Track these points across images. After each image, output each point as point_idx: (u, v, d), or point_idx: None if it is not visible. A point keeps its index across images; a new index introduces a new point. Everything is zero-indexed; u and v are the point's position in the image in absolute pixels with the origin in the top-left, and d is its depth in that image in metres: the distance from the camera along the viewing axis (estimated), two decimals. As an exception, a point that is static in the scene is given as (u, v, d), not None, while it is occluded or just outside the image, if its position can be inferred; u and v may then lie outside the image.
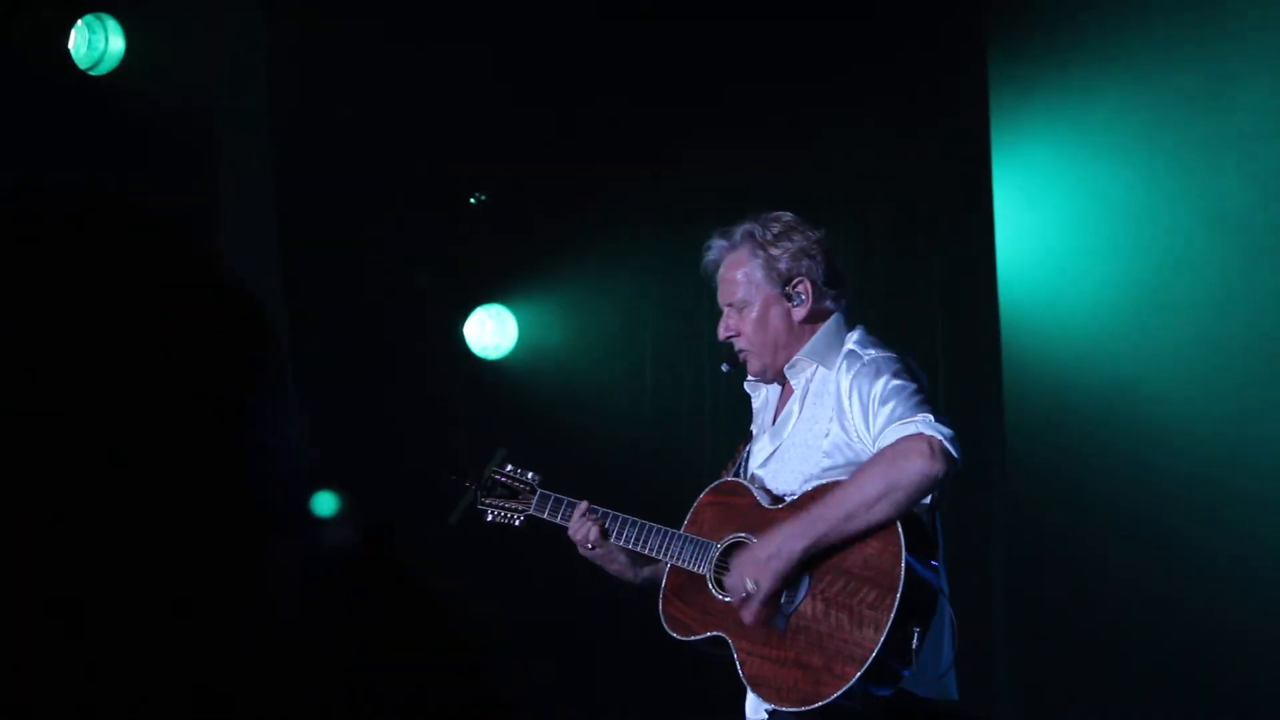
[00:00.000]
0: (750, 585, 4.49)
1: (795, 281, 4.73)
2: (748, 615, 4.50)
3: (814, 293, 4.73)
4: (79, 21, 6.82)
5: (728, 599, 4.62)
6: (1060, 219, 7.89)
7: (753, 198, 7.66)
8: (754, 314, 4.75)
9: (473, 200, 8.18)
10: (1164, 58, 7.59)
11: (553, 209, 8.20)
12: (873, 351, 4.64)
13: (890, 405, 4.47)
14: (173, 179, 7.18)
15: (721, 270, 4.81)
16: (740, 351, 4.82)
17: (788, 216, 4.81)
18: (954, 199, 7.96)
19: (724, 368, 4.98)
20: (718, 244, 4.83)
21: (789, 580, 4.49)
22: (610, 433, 8.12)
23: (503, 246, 8.21)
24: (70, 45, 6.80)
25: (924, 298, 7.90)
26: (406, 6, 7.70)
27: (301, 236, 7.50)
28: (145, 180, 7.05)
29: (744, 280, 4.76)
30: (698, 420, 8.07)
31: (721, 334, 4.84)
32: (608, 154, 8.15)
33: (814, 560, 4.49)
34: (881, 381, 4.52)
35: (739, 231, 4.80)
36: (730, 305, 4.80)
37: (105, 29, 6.91)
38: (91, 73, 6.89)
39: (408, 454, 7.77)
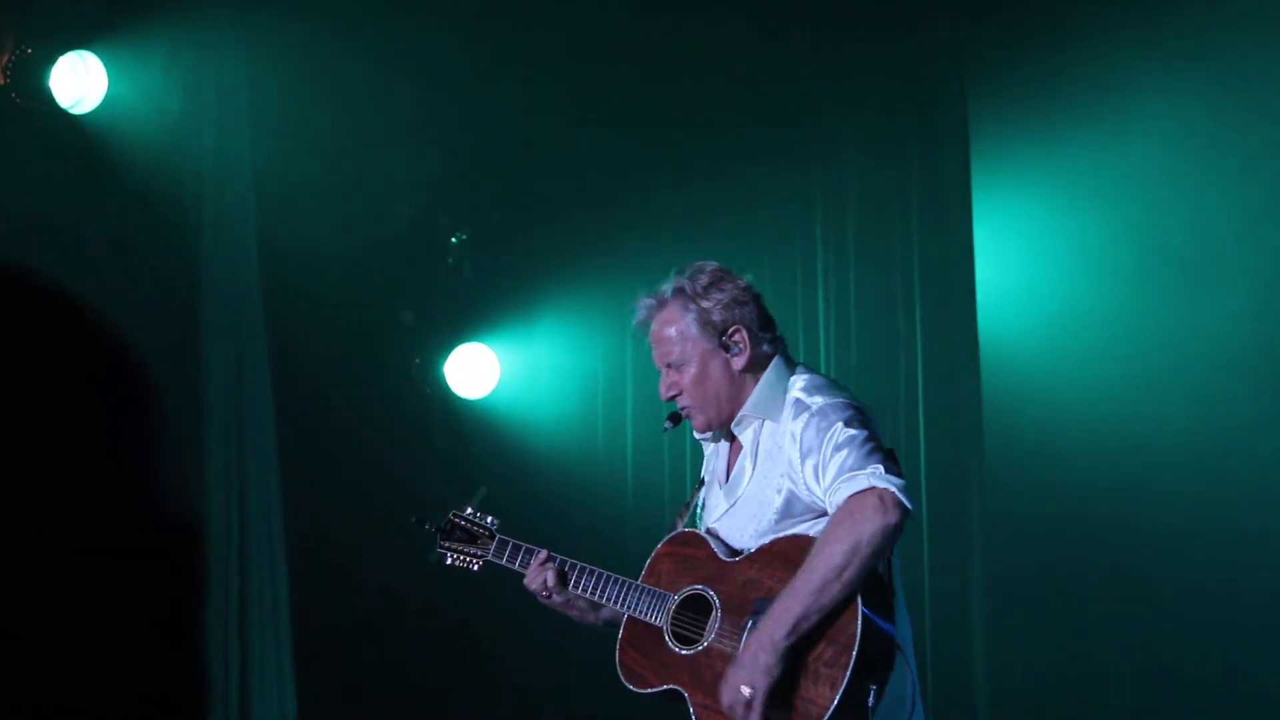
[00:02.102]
0: (746, 692, 4.37)
1: (731, 331, 4.60)
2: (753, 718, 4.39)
3: (751, 340, 4.60)
4: (62, 59, 6.83)
5: (684, 652, 4.57)
6: (1037, 237, 7.96)
7: (736, 235, 7.73)
8: (693, 370, 4.62)
9: (454, 240, 8.19)
10: (1141, 96, 7.65)
11: (534, 248, 8.21)
12: (819, 399, 4.52)
13: (841, 455, 4.37)
14: (155, 216, 7.20)
15: (654, 329, 4.69)
16: (684, 409, 4.70)
17: (712, 265, 4.68)
18: (935, 219, 7.97)
19: (666, 426, 4.86)
20: (646, 303, 4.70)
21: (780, 671, 4.38)
22: (589, 473, 8.11)
23: (485, 286, 8.22)
24: (53, 83, 6.81)
25: (904, 316, 7.90)
26: (389, 48, 7.72)
27: (283, 274, 7.50)
28: (127, 218, 7.07)
29: (678, 337, 4.63)
30: (679, 461, 8.06)
31: (664, 394, 4.72)
32: (590, 189, 8.16)
33: (768, 608, 4.41)
34: (831, 432, 4.41)
35: (667, 288, 4.68)
36: (669, 365, 4.67)
37: (88, 67, 6.92)
38: (74, 111, 6.91)
39: (386, 492, 7.77)
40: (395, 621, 7.93)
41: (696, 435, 4.88)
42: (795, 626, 4.34)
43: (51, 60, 6.79)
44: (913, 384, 7.83)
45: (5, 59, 6.68)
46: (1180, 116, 7.65)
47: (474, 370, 8.23)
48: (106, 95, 6.93)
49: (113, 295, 7.00)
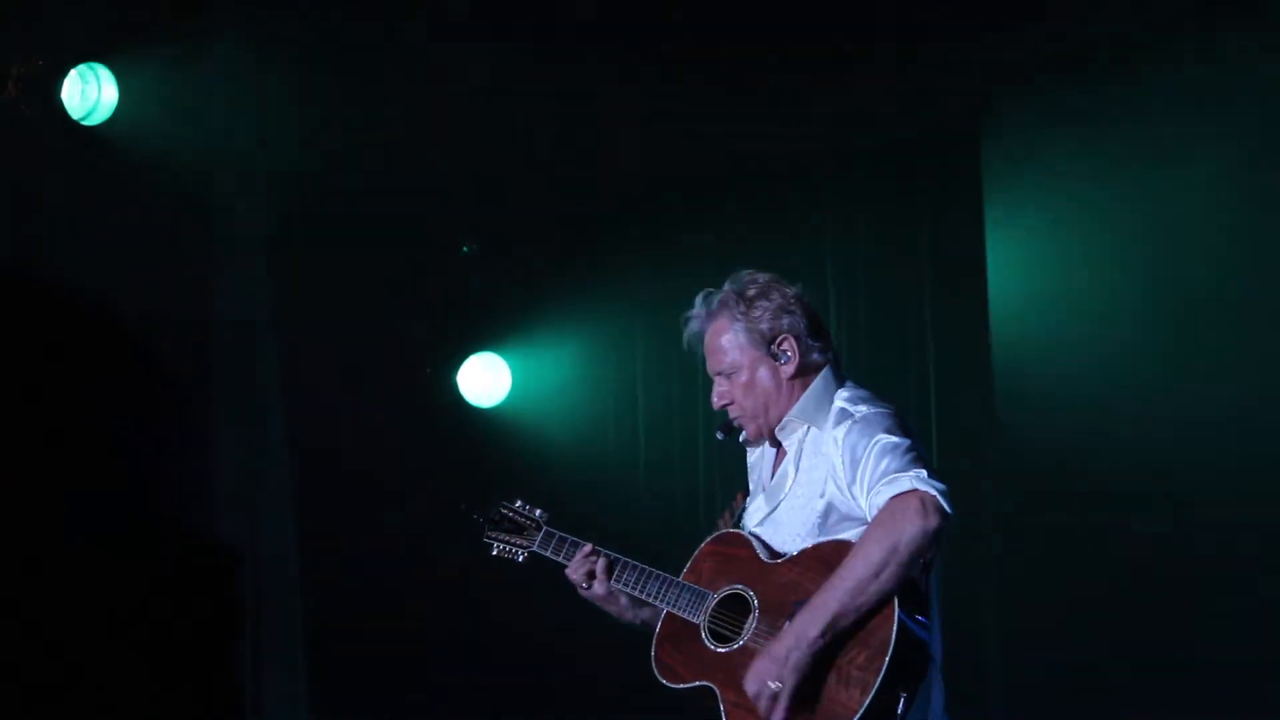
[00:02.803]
0: (774, 685, 4.42)
1: (779, 340, 4.70)
2: (776, 716, 4.42)
3: (799, 348, 4.70)
4: (72, 71, 6.83)
5: (720, 649, 4.60)
6: (1048, 246, 7.99)
7: (746, 245, 7.74)
8: (743, 378, 4.73)
9: (465, 249, 8.20)
10: (1148, 117, 7.70)
11: (545, 258, 8.23)
12: (863, 408, 4.61)
13: (884, 462, 4.44)
14: (166, 227, 7.20)
15: (706, 339, 4.79)
16: (735, 419, 4.79)
17: (763, 276, 4.78)
18: (947, 231, 7.99)
19: (718, 435, 4.94)
20: (698, 314, 4.81)
21: (811, 668, 4.42)
22: (603, 481, 8.12)
23: (496, 295, 8.23)
24: (64, 95, 6.81)
25: (916, 330, 7.92)
26: (399, 59, 7.72)
27: (295, 285, 7.50)
28: (138, 230, 7.07)
29: (729, 346, 4.74)
30: (691, 468, 8.07)
31: (716, 403, 4.82)
32: (604, 201, 8.18)
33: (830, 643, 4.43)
34: (875, 439, 4.49)
35: (717, 298, 4.77)
36: (720, 374, 4.78)
37: (99, 79, 6.92)
38: (84, 122, 6.91)
39: (400, 501, 7.78)
40: (411, 632, 7.94)
41: (741, 439, 4.91)
42: (830, 625, 4.38)
43: (62, 72, 6.79)
44: (924, 390, 7.84)
45: (16, 71, 6.68)
46: (1192, 141, 7.69)
47: (486, 379, 8.25)
48: (117, 107, 6.93)
49: (123, 309, 7.00)
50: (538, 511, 5.04)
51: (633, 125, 8.10)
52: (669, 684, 4.68)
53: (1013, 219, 8.00)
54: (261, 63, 7.35)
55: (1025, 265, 8.04)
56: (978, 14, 7.59)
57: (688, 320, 4.83)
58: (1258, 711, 7.23)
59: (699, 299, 4.81)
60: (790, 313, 4.72)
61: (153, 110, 7.09)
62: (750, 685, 4.46)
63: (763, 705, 4.44)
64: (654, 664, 4.72)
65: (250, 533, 7.30)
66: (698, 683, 4.63)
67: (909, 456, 4.44)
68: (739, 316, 4.72)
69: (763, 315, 4.71)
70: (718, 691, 4.58)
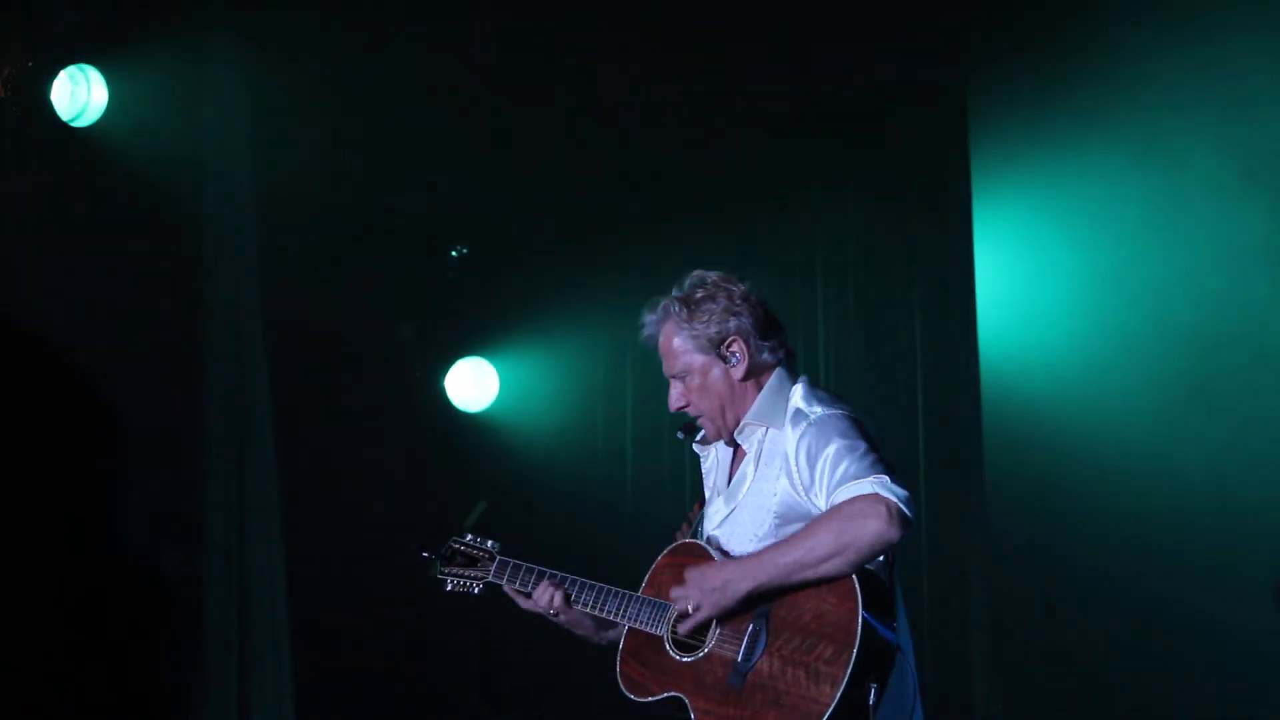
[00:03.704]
0: (692, 607, 4.55)
1: (728, 342, 4.71)
2: (682, 628, 4.57)
3: (748, 349, 4.71)
4: (62, 73, 6.86)
5: (684, 659, 4.62)
6: (1037, 252, 8.02)
7: (736, 248, 7.76)
8: (696, 381, 4.75)
9: (454, 254, 8.22)
10: (1135, 116, 7.72)
11: (534, 262, 8.24)
12: (819, 409, 4.61)
13: (844, 465, 4.46)
14: (155, 229, 7.23)
15: (659, 344, 4.82)
16: (698, 419, 4.82)
17: (712, 276, 4.78)
18: (936, 239, 8.02)
19: (679, 436, 5.01)
20: (649, 319, 4.83)
21: (737, 624, 4.52)
22: (590, 486, 8.13)
23: (484, 300, 8.25)
24: (53, 96, 6.84)
25: (905, 331, 7.94)
26: (388, 62, 7.75)
27: (284, 289, 7.53)
28: (127, 232, 7.09)
29: (680, 351, 4.75)
30: (679, 473, 8.09)
31: (672, 406, 4.83)
32: (591, 206, 8.20)
33: (770, 615, 4.50)
34: (831, 443, 4.51)
35: (662, 304, 4.80)
36: (674, 377, 4.80)
37: (88, 80, 6.95)
38: (74, 124, 6.93)
39: (387, 505, 7.79)
40: (397, 639, 7.94)
41: (696, 448, 4.95)
42: (759, 587, 4.48)
43: (52, 74, 6.82)
44: (912, 395, 7.85)
45: (6, 72, 6.70)
46: (1184, 141, 7.72)
47: (474, 384, 8.27)
48: (106, 108, 6.96)
49: (111, 312, 7.03)
50: (489, 543, 5.02)
51: (623, 128, 8.13)
52: (636, 698, 4.69)
53: (1001, 221, 8.04)
54: (251, 66, 7.37)
55: (1013, 264, 8.08)
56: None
57: (642, 327, 4.84)
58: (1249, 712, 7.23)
59: (647, 306, 4.84)
60: (737, 314, 4.72)
61: (142, 112, 7.11)
62: (675, 590, 4.58)
63: (675, 611, 4.58)
64: (619, 679, 4.73)
65: (238, 537, 7.31)
66: (666, 694, 4.64)
67: (868, 460, 4.45)
68: (684, 323, 4.73)
69: (710, 319, 4.71)
70: (687, 701, 4.59)
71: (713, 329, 4.71)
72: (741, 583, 4.48)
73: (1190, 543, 7.55)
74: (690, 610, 4.55)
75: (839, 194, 8.15)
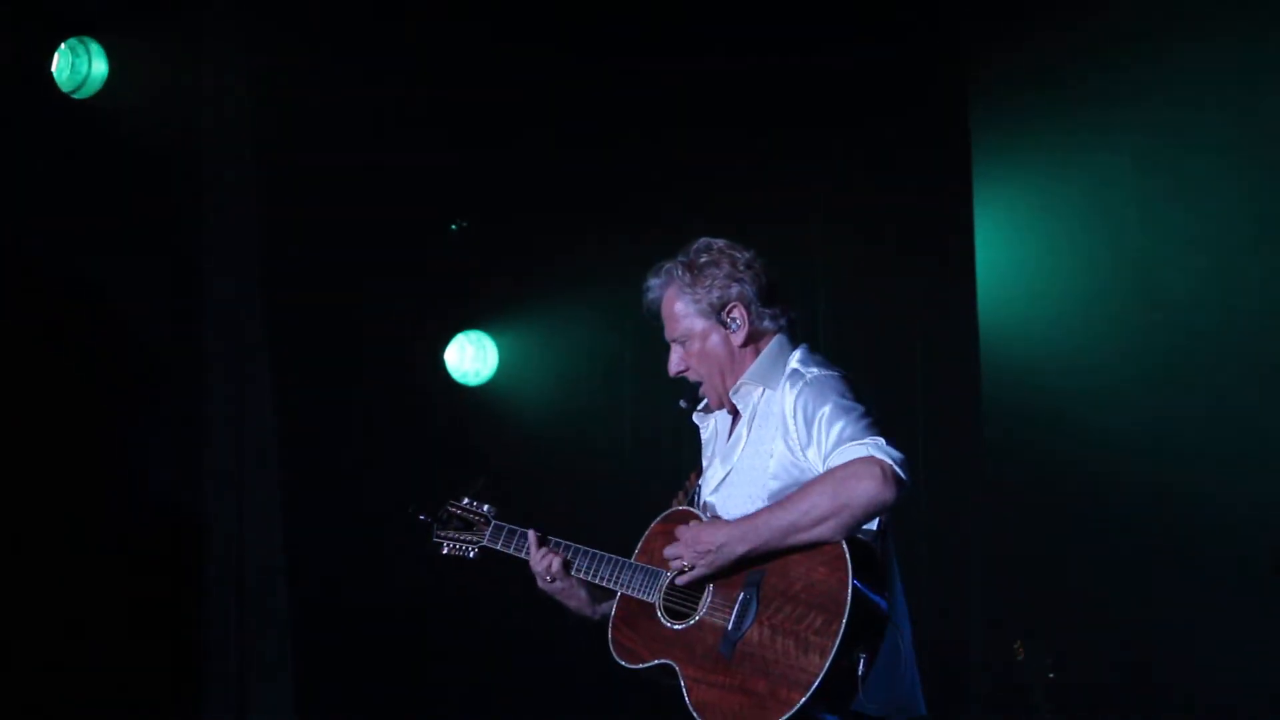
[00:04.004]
0: (686, 565, 4.58)
1: (729, 308, 4.74)
2: (679, 580, 4.59)
3: (749, 316, 4.74)
4: (62, 45, 6.87)
5: (676, 627, 4.64)
6: (1037, 224, 8.05)
7: (735, 220, 7.78)
8: (695, 346, 4.78)
9: (454, 227, 8.23)
10: (1137, 98, 7.76)
11: (533, 236, 8.25)
12: (815, 370, 4.64)
13: (839, 426, 4.47)
14: (155, 201, 7.24)
15: (661, 308, 4.85)
16: (699, 387, 4.85)
17: (718, 243, 4.81)
18: (937, 216, 8.04)
19: (681, 404, 5.01)
20: (653, 283, 4.86)
21: (721, 572, 4.55)
22: (589, 459, 8.15)
23: (484, 273, 8.26)
24: (53, 68, 6.85)
25: (906, 312, 7.96)
26: (388, 36, 7.75)
27: (283, 261, 7.53)
28: (128, 202, 7.10)
29: (681, 315, 4.79)
30: (677, 443, 8.09)
31: (671, 370, 4.87)
32: (590, 179, 8.21)
33: (761, 584, 4.51)
34: (828, 402, 4.52)
35: (666, 269, 4.83)
36: (674, 341, 4.84)
37: (88, 52, 6.96)
38: (74, 96, 6.94)
39: (385, 477, 7.80)
40: (396, 610, 7.95)
41: (696, 419, 4.98)
42: (754, 549, 4.50)
43: (52, 45, 6.82)
44: (911, 368, 7.88)
45: (6, 43, 6.71)
46: (1182, 116, 7.75)
47: (473, 356, 8.28)
48: (106, 80, 6.96)
49: (113, 279, 7.05)
50: (485, 506, 5.06)
51: (623, 102, 8.14)
52: (628, 665, 4.71)
53: (1001, 192, 8.07)
54: (252, 35, 7.37)
55: (1013, 242, 8.11)
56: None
57: (645, 289, 4.87)
58: (1244, 681, 7.25)
59: (651, 270, 4.87)
60: (740, 280, 4.74)
61: (143, 85, 7.12)
62: (669, 550, 4.61)
63: (668, 578, 4.62)
64: (611, 646, 4.74)
65: (236, 515, 7.32)
66: (657, 661, 4.65)
67: (865, 422, 4.47)
68: (687, 287, 4.76)
69: (712, 284, 4.74)
70: (678, 668, 4.60)
71: (714, 294, 4.74)
72: (737, 545, 4.50)
73: (1185, 502, 7.61)
74: (685, 567, 4.57)
75: (838, 163, 8.16)
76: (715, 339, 4.76)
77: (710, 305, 4.74)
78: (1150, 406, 7.82)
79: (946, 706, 7.46)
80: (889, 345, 8.07)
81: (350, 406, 7.95)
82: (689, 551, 4.57)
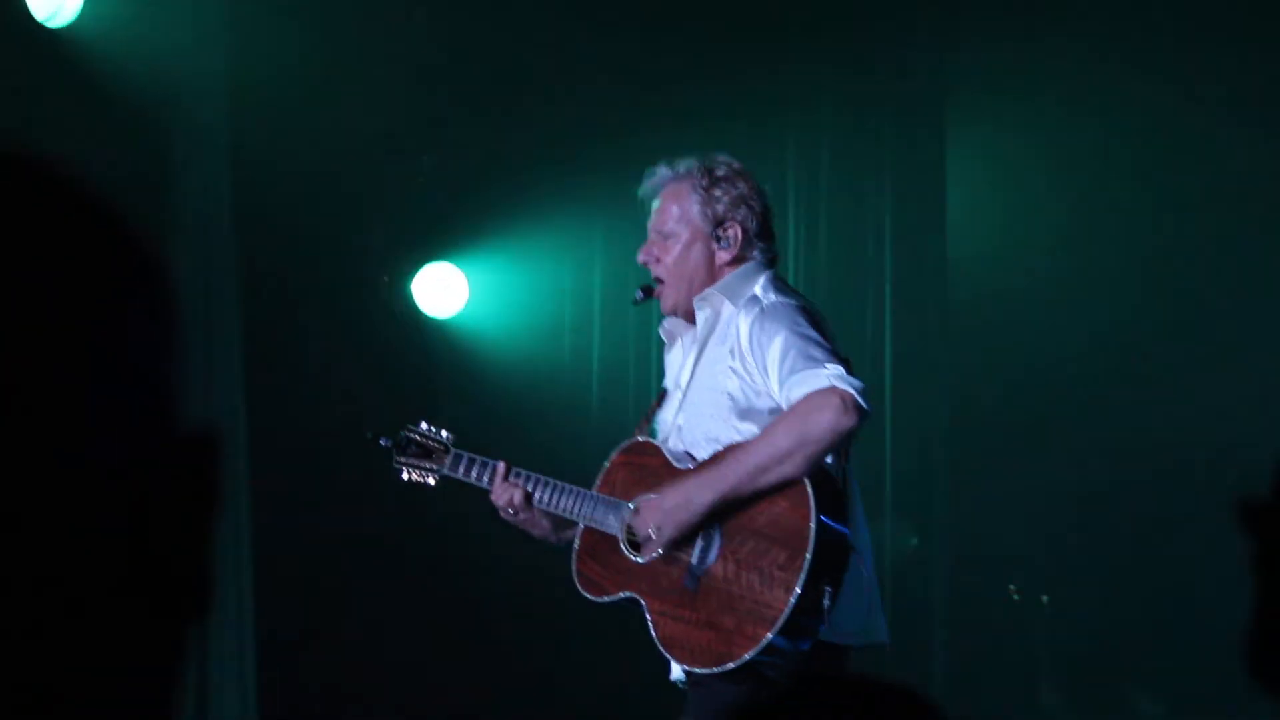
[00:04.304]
0: (653, 532, 4.53)
1: (727, 225, 4.71)
2: (644, 557, 4.55)
3: (742, 241, 4.72)
4: (37, -30, 6.85)
5: (639, 559, 4.62)
6: (1008, 165, 8.09)
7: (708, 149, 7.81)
8: (678, 248, 4.72)
9: (423, 159, 8.23)
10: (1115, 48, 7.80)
11: (504, 168, 8.26)
12: (774, 297, 4.61)
13: (794, 353, 4.45)
14: (127, 133, 7.23)
15: (660, 196, 4.80)
16: (657, 281, 4.80)
17: (737, 164, 4.80)
18: (907, 165, 8.07)
19: (638, 295, 4.94)
20: (662, 171, 4.82)
21: (694, 531, 4.51)
22: (557, 391, 8.17)
23: (453, 205, 8.26)
24: (27, -5, 6.83)
25: (875, 240, 8.00)
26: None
27: (253, 191, 7.54)
28: (99, 131, 7.09)
29: (678, 212, 4.74)
30: (644, 376, 8.14)
31: (641, 258, 4.83)
32: (560, 110, 8.20)
33: (724, 519, 4.49)
34: (781, 331, 4.50)
35: (685, 165, 4.79)
36: (659, 233, 4.78)
37: (64, -20, 6.94)
38: (49, 24, 6.92)
39: (353, 411, 7.82)
40: (360, 542, 7.97)
41: (662, 335, 4.95)
42: (723, 496, 4.47)
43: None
44: (880, 302, 7.92)
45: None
46: (1156, 55, 7.79)
47: (442, 289, 8.26)
48: (82, 8, 6.94)
49: (80, 208, 7.04)
50: (443, 433, 4.98)
51: (594, 33, 8.13)
52: (593, 598, 4.71)
53: (973, 130, 8.11)
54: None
55: (983, 174, 8.16)
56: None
57: (650, 173, 4.85)
58: (1205, 622, 7.31)
59: (666, 160, 4.84)
60: (749, 206, 4.74)
61: (118, 14, 7.10)
62: (635, 522, 4.58)
63: (639, 540, 4.56)
64: (576, 578, 4.74)
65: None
66: (621, 594, 4.66)
67: (822, 351, 4.46)
68: (699, 189, 4.73)
69: (722, 197, 4.72)
70: (643, 602, 4.61)
71: (719, 207, 4.72)
72: (704, 494, 4.48)
73: (1148, 436, 7.68)
74: (653, 535, 4.54)
75: (812, 102, 8.18)
76: (700, 249, 4.72)
77: (712, 216, 4.72)
78: (1120, 337, 7.89)
79: (912, 633, 7.58)
80: (856, 277, 8.11)
81: (317, 339, 7.95)
82: (656, 514, 4.54)
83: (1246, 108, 7.67)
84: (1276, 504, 1.36)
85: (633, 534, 4.66)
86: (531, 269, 8.35)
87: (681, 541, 4.58)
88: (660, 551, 4.55)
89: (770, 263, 4.79)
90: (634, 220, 8.13)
